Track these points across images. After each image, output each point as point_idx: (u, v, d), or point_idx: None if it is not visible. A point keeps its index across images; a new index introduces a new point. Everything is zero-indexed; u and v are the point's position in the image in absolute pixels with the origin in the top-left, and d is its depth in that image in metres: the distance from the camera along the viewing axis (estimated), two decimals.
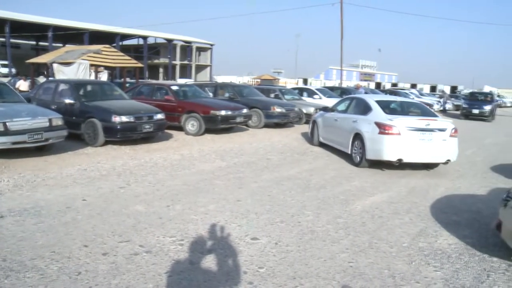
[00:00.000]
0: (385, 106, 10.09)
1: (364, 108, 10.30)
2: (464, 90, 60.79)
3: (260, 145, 12.40)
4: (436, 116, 10.02)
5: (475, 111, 27.31)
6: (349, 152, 10.26)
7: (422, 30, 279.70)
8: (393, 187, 8.15)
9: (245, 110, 14.81)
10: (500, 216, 4.93)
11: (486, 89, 57.07)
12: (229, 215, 5.97)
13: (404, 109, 10.55)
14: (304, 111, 18.05)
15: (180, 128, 13.75)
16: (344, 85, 38.77)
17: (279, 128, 16.70)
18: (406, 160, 9.08)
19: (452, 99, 38.92)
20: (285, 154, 11.20)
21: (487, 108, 27.45)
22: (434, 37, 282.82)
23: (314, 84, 58.80)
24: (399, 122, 9.07)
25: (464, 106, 28.81)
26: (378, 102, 10.22)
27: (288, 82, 57.35)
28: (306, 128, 14.31)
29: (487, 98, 29.96)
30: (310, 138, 13.18)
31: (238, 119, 14.41)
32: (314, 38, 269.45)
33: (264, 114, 16.07)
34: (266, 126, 16.30)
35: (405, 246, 5.17)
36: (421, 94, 37.91)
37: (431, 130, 9.12)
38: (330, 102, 18.04)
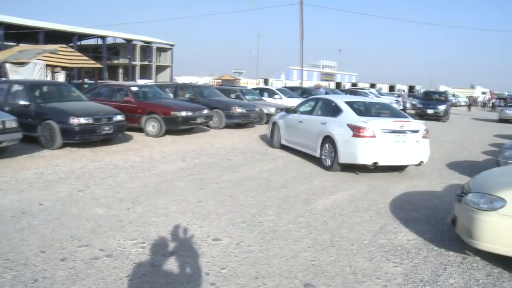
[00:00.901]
0: (355, 107, 9.71)
1: (333, 110, 9.88)
2: (421, 89, 62.38)
3: (221, 146, 12.36)
4: (407, 117, 9.80)
5: (430, 111, 27.13)
6: (318, 156, 9.81)
7: (381, 31, 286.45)
8: (353, 185, 8.27)
9: (206, 111, 14.74)
10: (455, 212, 5.09)
11: (442, 88, 58.75)
12: (191, 217, 5.92)
13: (374, 110, 10.20)
14: (265, 111, 18.11)
15: (141, 130, 13.56)
16: (305, 85, 39.15)
17: (240, 129, 16.73)
18: (381, 163, 8.75)
19: (410, 98, 39.92)
20: (246, 154, 11.21)
21: (442, 108, 27.32)
22: (393, 38, 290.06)
23: (275, 84, 59.01)
24: (373, 124, 8.73)
25: (418, 106, 28.50)
26: (347, 103, 9.80)
27: (249, 83, 57.45)
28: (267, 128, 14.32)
29: (442, 97, 29.95)
30: (269, 140, 12.78)
31: (199, 120, 14.34)
32: (274, 39, 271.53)
33: (225, 115, 16.06)
34: (227, 126, 16.30)
35: (366, 243, 5.26)
36: (380, 94, 38.72)
37: (405, 132, 8.89)
38: (291, 102, 18.25)
